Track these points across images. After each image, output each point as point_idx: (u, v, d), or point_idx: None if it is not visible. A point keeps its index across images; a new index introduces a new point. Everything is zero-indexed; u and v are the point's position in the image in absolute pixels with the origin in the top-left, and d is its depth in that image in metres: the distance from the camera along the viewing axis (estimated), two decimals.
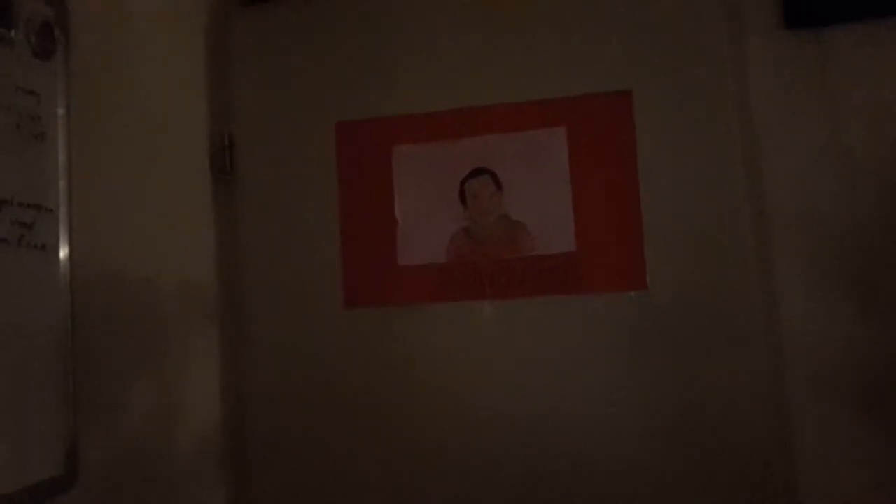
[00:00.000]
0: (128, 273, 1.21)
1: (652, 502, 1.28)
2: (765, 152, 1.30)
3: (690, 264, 1.30)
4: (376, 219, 1.41)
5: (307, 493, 1.42)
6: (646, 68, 1.32)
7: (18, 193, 0.99)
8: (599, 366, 1.32)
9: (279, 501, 1.42)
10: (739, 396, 1.26)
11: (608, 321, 1.32)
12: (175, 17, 1.40)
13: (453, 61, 1.39)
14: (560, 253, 1.33)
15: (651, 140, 1.32)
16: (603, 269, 1.32)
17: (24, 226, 1.00)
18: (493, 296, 1.36)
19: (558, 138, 1.33)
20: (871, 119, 1.28)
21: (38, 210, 1.03)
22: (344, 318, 1.41)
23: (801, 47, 1.30)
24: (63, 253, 1.06)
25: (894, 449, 1.21)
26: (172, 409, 1.31)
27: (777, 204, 1.29)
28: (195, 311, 1.38)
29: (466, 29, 1.39)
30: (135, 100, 1.25)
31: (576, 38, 1.35)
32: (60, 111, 1.07)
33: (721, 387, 1.27)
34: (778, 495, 1.23)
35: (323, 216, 1.42)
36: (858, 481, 1.23)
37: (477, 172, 1.36)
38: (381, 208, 1.40)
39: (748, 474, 1.25)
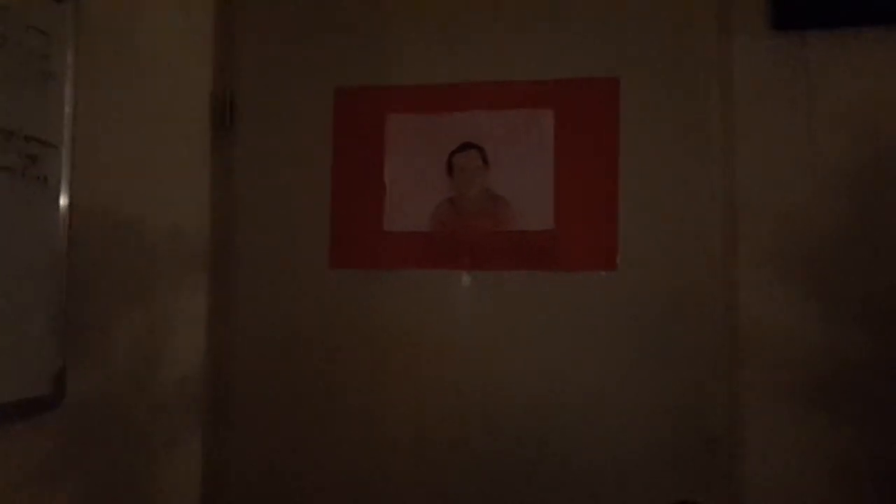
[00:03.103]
0: (124, 212, 1.27)
1: (604, 468, 1.35)
2: (742, 148, 1.35)
3: (660, 250, 1.35)
4: (366, 184, 1.46)
5: (283, 444, 1.48)
6: (635, 58, 1.37)
7: (25, 127, 1.05)
8: (568, 338, 1.38)
9: (255, 448, 1.49)
10: (695, 378, 1.32)
11: (579, 297, 1.38)
12: None
13: (451, 37, 1.44)
14: (539, 230, 1.39)
15: (634, 128, 1.37)
16: (577, 248, 1.38)
17: (28, 158, 1.06)
18: (472, 266, 1.42)
19: (546, 119, 1.39)
20: (846, 122, 1.32)
21: (43, 145, 1.09)
22: (329, 278, 1.47)
23: (785, 48, 1.34)
24: (63, 187, 1.12)
25: (837, 441, 1.27)
26: (158, 346, 1.38)
27: (748, 199, 1.34)
28: (186, 255, 1.44)
29: (466, 7, 1.44)
30: (143, 49, 1.30)
31: (569, 23, 1.40)
32: (70, 53, 1.13)
33: (678, 368, 1.33)
34: (721, 477, 1.29)
35: (315, 177, 1.48)
36: (800, 469, 1.28)
37: (465, 147, 1.42)
38: (372, 174, 1.46)
39: (695, 454, 1.31)
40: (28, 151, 1.06)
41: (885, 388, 1.22)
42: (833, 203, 1.31)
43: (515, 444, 1.38)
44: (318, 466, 1.46)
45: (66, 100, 1.12)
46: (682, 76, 1.36)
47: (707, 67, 1.35)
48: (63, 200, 1.12)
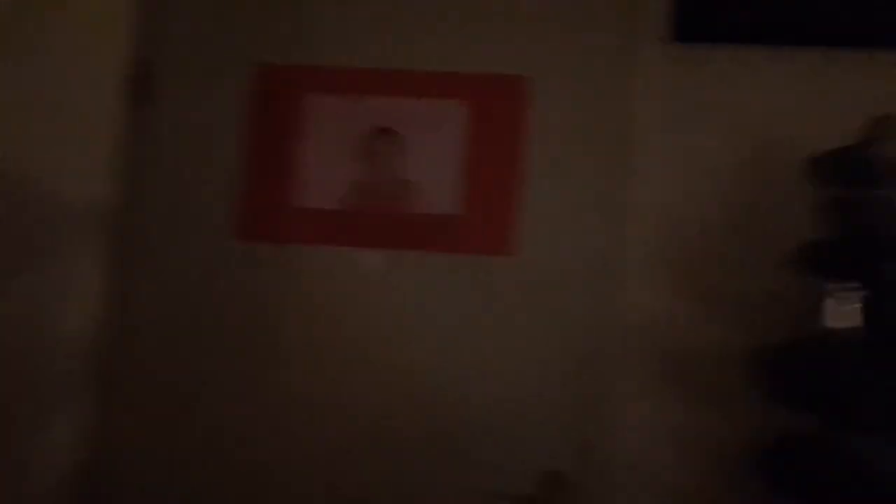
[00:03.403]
0: (30, 176, 1.27)
1: (493, 435, 1.43)
2: (637, 151, 1.44)
3: (557, 240, 1.44)
4: (280, 161, 1.49)
5: (177, 419, 1.49)
6: (546, 59, 1.45)
7: None
8: (470, 317, 1.46)
9: (146, 421, 1.50)
10: (579, 358, 1.43)
11: (481, 279, 1.45)
12: None
13: (374, 23, 1.48)
14: (446, 214, 1.45)
15: (542, 125, 1.45)
16: (481, 234, 1.45)
17: None
18: (381, 246, 1.47)
19: (458, 110, 1.45)
20: (734, 132, 1.43)
21: None
22: (234, 251, 1.49)
23: (684, 59, 1.44)
24: None
25: (695, 422, 1.39)
26: (51, 310, 1.38)
27: (639, 199, 1.43)
28: (88, 224, 1.44)
29: None
30: (61, 14, 1.29)
31: (488, 21, 1.46)
32: None
33: (566, 349, 1.43)
34: (592, 449, 1.41)
35: (227, 151, 1.50)
36: (659, 444, 1.41)
37: (380, 131, 1.47)
38: (286, 151, 1.49)
39: (573, 426, 1.42)
40: None
41: (741, 378, 1.34)
42: (717, 207, 1.42)
43: (413, 413, 1.46)
44: (212, 441, 1.49)
45: None
46: (589, 80, 1.44)
47: (611, 73, 1.44)
48: None
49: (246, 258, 1.49)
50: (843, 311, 1.23)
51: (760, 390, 1.26)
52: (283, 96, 1.49)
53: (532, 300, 1.45)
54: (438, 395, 1.45)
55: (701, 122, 1.43)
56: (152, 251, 1.51)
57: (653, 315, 1.42)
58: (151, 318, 1.51)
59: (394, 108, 1.46)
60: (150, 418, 1.50)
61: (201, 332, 1.50)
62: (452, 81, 1.45)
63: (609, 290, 1.43)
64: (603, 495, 1.41)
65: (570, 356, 1.44)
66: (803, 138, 1.29)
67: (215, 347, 1.50)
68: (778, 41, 1.40)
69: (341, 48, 1.49)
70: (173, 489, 1.48)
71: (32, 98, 1.25)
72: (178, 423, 1.50)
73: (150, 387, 1.50)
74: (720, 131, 1.42)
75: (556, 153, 1.44)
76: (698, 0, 1.44)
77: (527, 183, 1.44)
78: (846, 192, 1.18)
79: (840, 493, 1.15)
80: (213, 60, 1.51)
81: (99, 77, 1.43)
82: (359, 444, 1.47)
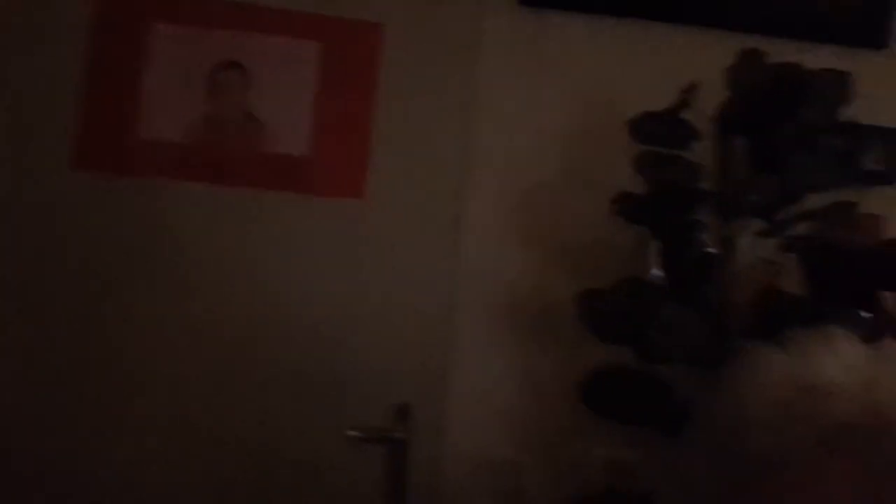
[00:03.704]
0: None
1: (345, 374, 1.46)
2: (483, 106, 1.51)
3: (404, 186, 1.50)
4: (123, 90, 1.43)
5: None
6: (400, 7, 1.49)
7: None
8: (317, 258, 1.47)
9: None
10: (421, 301, 1.49)
11: (328, 221, 1.48)
12: None
13: None
14: (294, 154, 1.46)
15: (392, 72, 1.49)
16: (330, 176, 1.47)
17: None
18: (228, 183, 1.45)
19: (311, 51, 1.45)
20: (572, 96, 1.54)
21: None
22: (71, 181, 1.42)
23: (529, 23, 1.53)
24: None
25: (532, 361, 1.50)
26: None
27: (482, 153, 1.51)
28: None
29: None
30: None
31: None
32: None
33: (408, 290, 1.49)
34: (434, 385, 1.48)
35: (64, 76, 1.41)
36: (499, 381, 1.50)
37: (229, 65, 1.44)
38: (130, 80, 1.43)
39: (417, 365, 1.48)
40: None
41: (575, 321, 1.45)
42: (553, 164, 1.53)
43: (267, 351, 1.46)
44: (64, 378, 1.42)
45: None
46: (440, 33, 1.50)
47: (461, 30, 1.50)
48: None
49: (82, 188, 1.42)
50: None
51: (586, 330, 1.38)
52: (129, 24, 1.42)
53: (380, 244, 1.49)
54: (293, 334, 1.46)
55: (542, 83, 1.52)
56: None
57: (495, 261, 1.51)
58: None
59: (244, 42, 1.44)
60: None
61: (44, 263, 1.41)
62: (306, 21, 1.45)
63: (453, 235, 1.51)
64: (449, 426, 1.48)
65: (419, 298, 1.50)
66: (629, 101, 1.41)
67: (58, 279, 1.42)
68: (610, 12, 1.52)
69: None
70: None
71: None
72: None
73: None
74: (559, 92, 1.52)
75: (405, 101, 1.49)
76: None
77: (376, 128, 1.48)
78: (656, 150, 1.32)
79: (648, 414, 1.32)
80: None
81: None
82: (215, 382, 1.45)
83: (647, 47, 1.52)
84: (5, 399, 1.40)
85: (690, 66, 1.37)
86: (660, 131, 1.34)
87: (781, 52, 1.38)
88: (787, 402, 0.58)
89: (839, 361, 0.60)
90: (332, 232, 1.47)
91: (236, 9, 1.44)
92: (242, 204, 1.45)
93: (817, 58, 1.50)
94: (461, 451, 1.50)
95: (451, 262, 1.50)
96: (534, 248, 1.52)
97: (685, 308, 1.27)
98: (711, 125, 1.31)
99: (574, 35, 1.54)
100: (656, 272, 1.37)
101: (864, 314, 1.56)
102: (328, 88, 1.46)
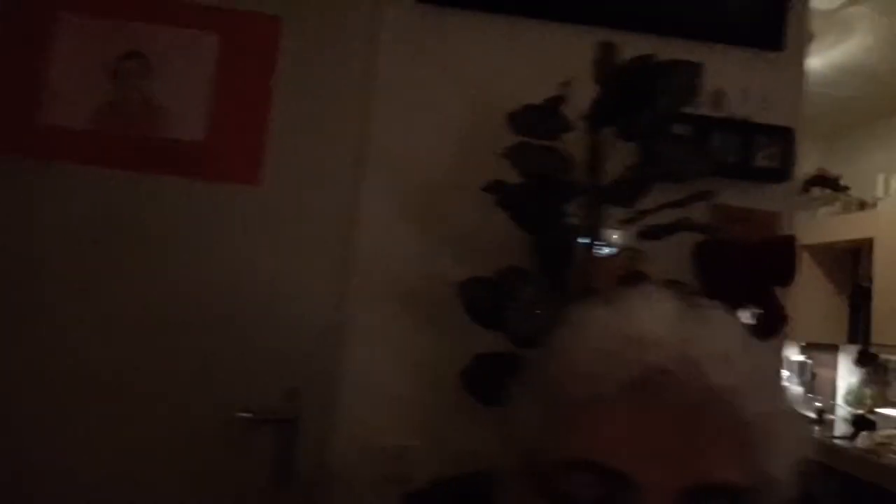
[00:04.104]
0: None
1: (244, 354, 1.52)
2: (380, 100, 1.57)
3: (300, 175, 1.54)
4: (26, 75, 1.49)
5: None
6: (298, 2, 1.54)
7: None
8: (215, 244, 1.53)
9: None
10: (312, 286, 1.54)
11: (225, 207, 1.53)
12: None
13: None
14: (191, 140, 1.51)
15: (292, 63, 1.54)
16: (226, 162, 1.53)
17: None
18: (129, 167, 1.50)
19: (210, 42, 1.51)
20: (467, 89, 1.59)
21: None
22: None
23: (426, 20, 1.58)
24: None
25: (422, 342, 1.54)
26: None
27: (378, 145, 1.56)
28: None
29: None
30: None
31: None
32: None
33: (303, 276, 1.54)
34: (324, 366, 1.52)
35: None
36: (389, 361, 1.54)
37: (131, 55, 1.51)
38: (34, 67, 1.49)
39: (308, 347, 1.52)
40: None
41: (459, 303, 1.49)
42: (445, 156, 1.57)
43: (165, 334, 1.51)
44: None
45: None
46: (338, 28, 1.55)
47: (358, 24, 1.56)
48: None
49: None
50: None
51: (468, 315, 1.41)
52: (33, 12, 1.49)
53: (275, 230, 1.54)
54: (187, 317, 1.51)
55: (436, 76, 1.58)
56: None
57: (386, 249, 1.56)
58: None
59: (146, 33, 1.50)
60: None
61: None
62: (206, 13, 1.51)
63: (347, 224, 1.55)
64: (338, 410, 1.53)
65: (312, 284, 1.54)
66: (516, 95, 1.45)
67: None
68: (501, 9, 1.58)
69: None
70: None
71: None
72: None
73: None
74: (451, 85, 1.57)
75: (303, 94, 1.54)
76: None
77: (273, 118, 1.53)
78: (529, 140, 1.36)
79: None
80: None
81: None
82: (116, 361, 1.50)
83: (531, 44, 1.57)
84: None
85: (580, 61, 1.41)
86: (536, 123, 1.38)
87: (675, 51, 1.42)
88: (606, 352, 0.61)
89: (657, 316, 0.63)
90: (228, 217, 1.52)
91: (138, 0, 1.50)
92: (141, 187, 1.51)
93: (712, 57, 1.56)
94: (350, 434, 1.53)
95: (343, 249, 1.55)
96: (424, 238, 1.56)
97: (547, 293, 1.30)
98: (584, 118, 1.35)
99: (465, 31, 1.59)
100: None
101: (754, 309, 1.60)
102: (226, 78, 1.52)
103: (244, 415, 1.51)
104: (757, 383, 0.63)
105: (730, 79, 1.63)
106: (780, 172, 1.64)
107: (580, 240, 1.36)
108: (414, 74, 1.57)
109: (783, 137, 1.63)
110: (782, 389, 0.74)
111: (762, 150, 1.63)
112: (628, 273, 1.32)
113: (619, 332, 0.62)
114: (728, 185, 1.62)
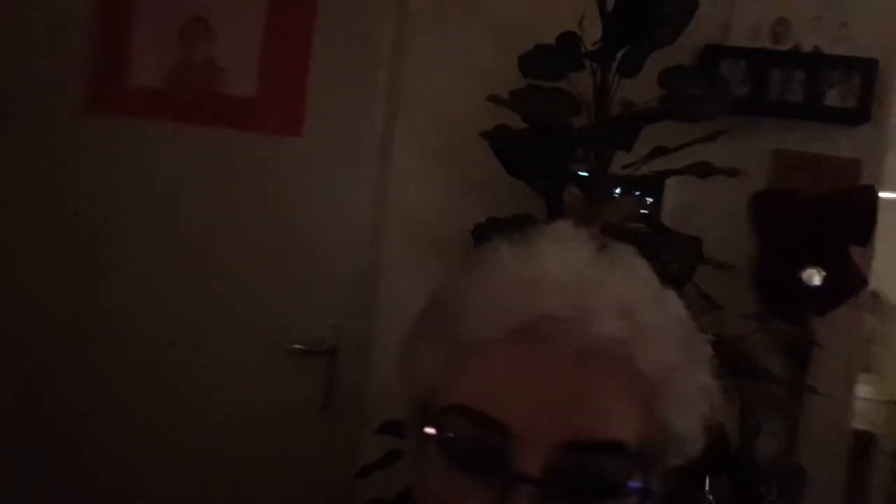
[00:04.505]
0: None
1: (283, 299, 1.66)
2: (412, 51, 1.60)
3: (337, 126, 1.63)
4: (115, 42, 1.71)
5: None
6: None
7: None
8: (260, 192, 1.66)
9: None
10: (348, 231, 1.63)
11: (271, 158, 1.66)
12: None
13: None
14: (245, 96, 1.66)
15: (329, 21, 1.62)
16: (273, 116, 1.65)
17: None
18: (195, 122, 1.69)
19: (261, 4, 1.64)
20: (498, 40, 1.55)
21: None
22: (82, 121, 1.73)
23: None
24: None
25: None
26: None
27: (409, 97, 1.60)
28: None
29: None
30: None
31: None
32: None
33: (337, 223, 1.64)
34: (363, 305, 1.63)
35: (74, 26, 1.72)
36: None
37: (196, 20, 1.68)
38: (121, 34, 1.70)
39: (347, 289, 1.63)
40: None
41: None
42: (474, 101, 1.53)
43: (218, 274, 1.69)
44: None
45: None
46: None
47: None
48: None
49: (93, 129, 1.74)
50: None
51: None
52: None
53: (317, 177, 1.65)
54: (245, 256, 1.68)
55: (466, 24, 1.57)
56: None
57: (416, 193, 1.61)
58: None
59: (209, 2, 1.67)
60: None
61: (51, 188, 1.77)
62: None
63: (380, 171, 1.62)
64: (375, 342, 1.63)
65: (349, 226, 1.64)
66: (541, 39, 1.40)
67: (66, 201, 1.77)
68: None
69: None
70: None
71: None
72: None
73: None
74: (480, 33, 1.56)
75: (341, 46, 1.62)
76: None
77: (314, 71, 1.62)
78: (536, 83, 1.31)
79: None
80: None
81: None
82: (178, 296, 1.72)
83: None
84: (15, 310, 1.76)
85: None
86: (544, 64, 1.33)
87: None
88: (498, 294, 0.59)
89: (559, 260, 0.60)
90: (274, 166, 1.66)
91: None
92: (202, 140, 1.69)
93: None
94: (387, 364, 1.60)
95: (377, 194, 1.62)
96: (451, 182, 1.59)
97: None
98: (586, 55, 1.27)
99: None
100: None
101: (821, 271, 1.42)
102: (273, 37, 1.64)
103: (296, 346, 1.65)
104: (660, 336, 0.59)
105: (796, 6, 1.42)
106: (858, 113, 1.41)
107: (582, 186, 1.29)
108: (444, 23, 1.58)
109: (864, 71, 1.39)
110: (695, 344, 0.63)
111: (835, 86, 1.41)
112: (625, 220, 1.24)
113: (514, 275, 0.59)
114: (791, 129, 1.44)
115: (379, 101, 1.61)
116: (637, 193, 1.36)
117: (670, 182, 1.46)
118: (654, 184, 1.43)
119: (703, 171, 1.21)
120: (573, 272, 0.59)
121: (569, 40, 1.31)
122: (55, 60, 1.74)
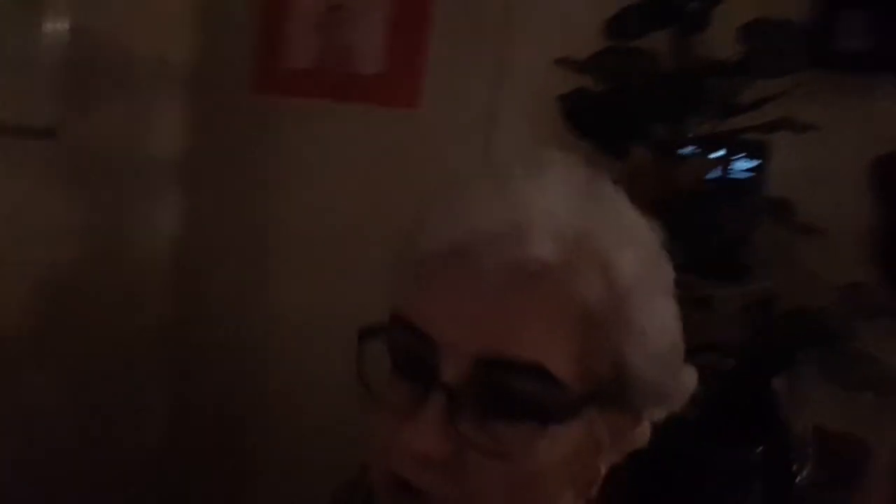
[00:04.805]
0: (112, 39, 1.93)
1: None
2: (517, 25, 1.67)
3: (451, 99, 1.74)
4: (273, 29, 1.97)
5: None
6: None
7: None
8: (387, 164, 1.84)
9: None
10: None
11: (395, 132, 1.82)
12: None
13: None
14: (374, 73, 1.86)
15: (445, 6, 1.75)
16: (397, 90, 1.82)
17: None
18: (334, 98, 1.91)
19: None
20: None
21: None
22: (250, 102, 2.02)
23: None
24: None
25: None
26: (139, 138, 2.05)
27: (515, 68, 1.68)
28: (161, 75, 2.07)
29: None
30: None
31: None
32: None
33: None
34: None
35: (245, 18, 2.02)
36: None
37: (336, 7, 1.90)
38: (278, 21, 1.96)
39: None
40: None
41: None
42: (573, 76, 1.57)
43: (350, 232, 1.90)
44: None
45: None
46: None
47: None
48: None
49: (260, 108, 2.04)
50: None
51: None
52: None
53: (433, 148, 1.78)
54: (372, 226, 1.84)
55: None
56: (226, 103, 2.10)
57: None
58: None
59: None
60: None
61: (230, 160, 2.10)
62: None
63: (487, 139, 1.71)
64: None
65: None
66: None
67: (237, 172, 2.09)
68: None
69: None
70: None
71: None
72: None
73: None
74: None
75: (454, 22, 1.74)
76: None
77: (432, 47, 1.76)
78: (615, 45, 1.30)
79: None
80: None
81: None
82: (323, 254, 1.95)
83: None
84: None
85: None
86: (628, 24, 1.32)
87: None
88: (446, 210, 0.61)
89: (514, 181, 0.61)
90: (396, 139, 1.82)
91: None
92: (336, 115, 1.89)
93: None
94: None
95: (484, 160, 1.71)
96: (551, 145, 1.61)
97: None
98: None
99: None
100: None
101: None
102: (397, 20, 1.81)
103: None
104: (613, 268, 0.58)
105: None
106: None
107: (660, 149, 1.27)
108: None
109: None
110: (659, 280, 0.61)
111: None
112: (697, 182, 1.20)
113: (469, 195, 0.61)
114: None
115: (488, 75, 1.71)
116: (718, 155, 1.31)
117: (778, 146, 1.38)
118: (757, 147, 1.36)
119: (772, 127, 1.13)
120: (519, 193, 0.59)
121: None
122: (230, 48, 2.06)
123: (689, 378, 0.64)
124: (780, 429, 1.02)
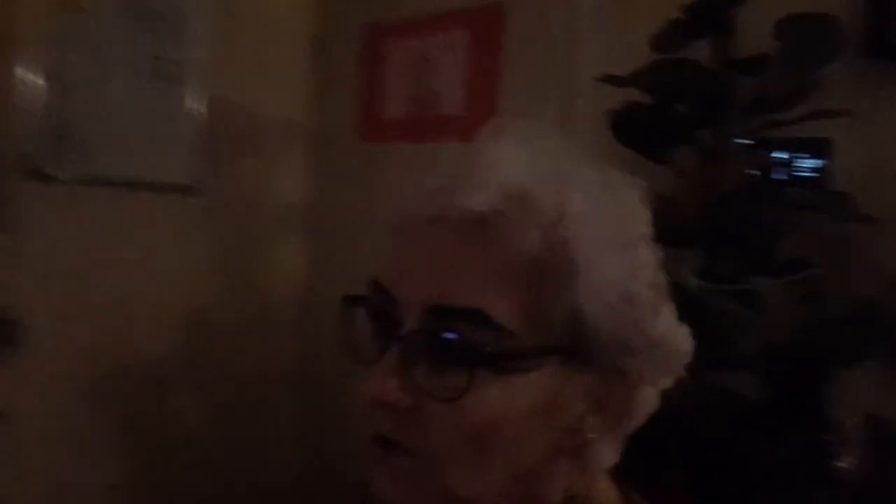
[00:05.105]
0: (243, 107, 2.22)
1: None
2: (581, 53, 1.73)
3: None
4: (374, 85, 2.19)
5: None
6: None
7: (168, 51, 2.02)
8: None
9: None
10: None
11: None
12: None
13: None
14: (456, 115, 2.01)
15: (516, 46, 1.87)
16: (475, 129, 1.90)
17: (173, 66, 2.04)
18: (423, 140, 2.07)
19: (465, 37, 1.97)
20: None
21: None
22: (363, 150, 2.23)
23: None
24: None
25: None
26: (267, 189, 2.32)
27: (579, 100, 1.73)
28: (285, 135, 2.35)
29: None
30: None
31: None
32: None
33: None
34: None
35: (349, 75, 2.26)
36: None
37: (422, 59, 2.08)
38: (377, 78, 2.18)
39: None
40: (171, 69, 2.06)
41: None
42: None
43: None
44: None
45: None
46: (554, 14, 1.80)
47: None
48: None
49: (369, 154, 2.24)
50: None
51: None
52: (377, 41, 2.19)
53: None
54: None
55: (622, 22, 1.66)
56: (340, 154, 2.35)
57: None
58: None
59: (430, 42, 2.06)
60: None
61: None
62: (461, 14, 1.98)
63: None
64: None
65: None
66: None
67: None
68: None
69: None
70: None
71: (244, 50, 2.17)
72: None
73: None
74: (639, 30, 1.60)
75: (525, 69, 1.87)
76: None
77: (503, 89, 1.90)
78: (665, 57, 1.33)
79: None
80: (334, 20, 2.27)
81: (290, 38, 2.32)
82: None
83: None
84: None
85: None
86: (671, 37, 1.35)
87: None
88: (416, 179, 0.68)
89: (478, 144, 0.66)
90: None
91: (425, 19, 2.06)
92: (430, 153, 2.03)
93: None
94: None
95: None
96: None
97: None
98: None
99: None
100: None
101: None
102: (474, 62, 1.96)
103: None
104: (560, 222, 0.60)
105: None
106: None
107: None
108: (615, 23, 1.68)
109: None
110: (629, 247, 0.62)
111: None
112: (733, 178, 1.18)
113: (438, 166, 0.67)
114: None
115: (557, 107, 1.79)
116: (780, 155, 1.27)
117: (840, 144, 1.33)
118: (818, 145, 1.32)
119: (812, 117, 1.10)
120: (469, 153, 0.65)
121: (695, 9, 1.32)
122: (341, 105, 2.30)
123: (676, 337, 0.63)
124: (826, 418, 0.97)
